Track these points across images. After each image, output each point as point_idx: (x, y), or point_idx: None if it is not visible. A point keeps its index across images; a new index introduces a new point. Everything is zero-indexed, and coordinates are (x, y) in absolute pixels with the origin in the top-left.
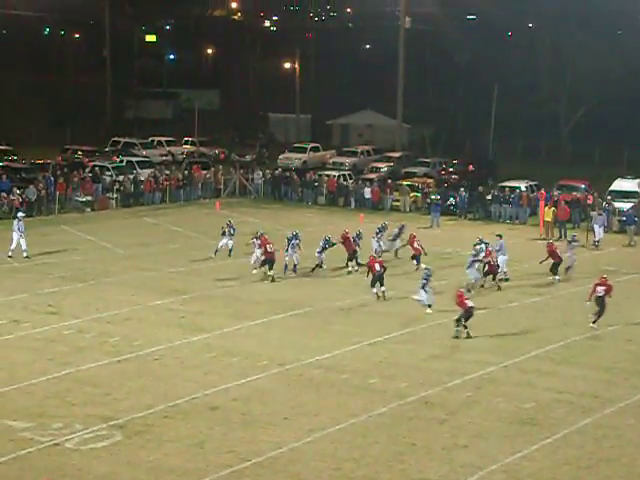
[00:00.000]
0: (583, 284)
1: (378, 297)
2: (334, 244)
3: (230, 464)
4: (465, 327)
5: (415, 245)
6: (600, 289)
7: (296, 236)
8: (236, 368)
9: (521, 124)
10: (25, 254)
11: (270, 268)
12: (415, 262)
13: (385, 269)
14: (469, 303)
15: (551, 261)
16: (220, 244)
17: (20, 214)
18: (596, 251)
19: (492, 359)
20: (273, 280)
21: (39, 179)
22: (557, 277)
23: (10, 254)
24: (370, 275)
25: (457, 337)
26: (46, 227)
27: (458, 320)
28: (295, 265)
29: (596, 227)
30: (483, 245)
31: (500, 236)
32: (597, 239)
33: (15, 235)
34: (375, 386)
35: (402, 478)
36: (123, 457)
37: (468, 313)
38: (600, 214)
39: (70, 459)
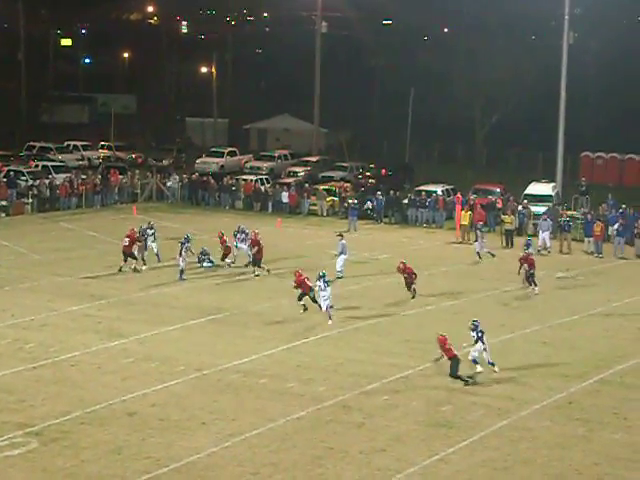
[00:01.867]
0: (498, 287)
1: (305, 309)
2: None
3: (148, 470)
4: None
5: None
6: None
7: (188, 239)
8: (154, 373)
9: (437, 128)
10: None
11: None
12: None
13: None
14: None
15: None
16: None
17: None
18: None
19: (409, 362)
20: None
21: None
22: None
23: None
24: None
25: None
26: None
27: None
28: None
29: (542, 234)
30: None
31: (341, 236)
32: (548, 246)
33: None
34: (293, 390)
35: None
36: (39, 464)
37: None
38: (545, 219)
39: None
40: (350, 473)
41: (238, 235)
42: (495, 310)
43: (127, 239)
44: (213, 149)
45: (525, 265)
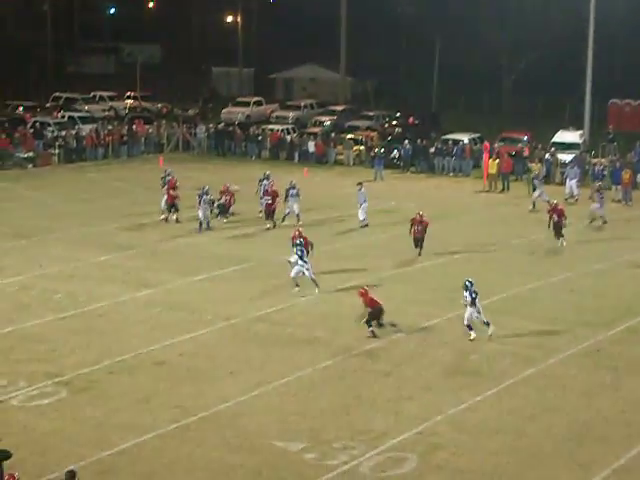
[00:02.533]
0: (525, 236)
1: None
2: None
3: (176, 419)
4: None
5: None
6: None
7: (206, 191)
8: (181, 323)
9: (464, 76)
10: None
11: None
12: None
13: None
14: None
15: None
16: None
17: None
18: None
19: (436, 311)
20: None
21: None
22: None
23: None
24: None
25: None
26: None
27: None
28: (208, 222)
29: (569, 181)
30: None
31: (360, 185)
32: (575, 194)
33: None
34: (320, 339)
35: (348, 430)
36: (69, 414)
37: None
38: (572, 167)
39: (15, 416)
40: (377, 421)
41: (263, 182)
42: (522, 258)
43: (269, 197)
44: (239, 99)
45: (554, 215)
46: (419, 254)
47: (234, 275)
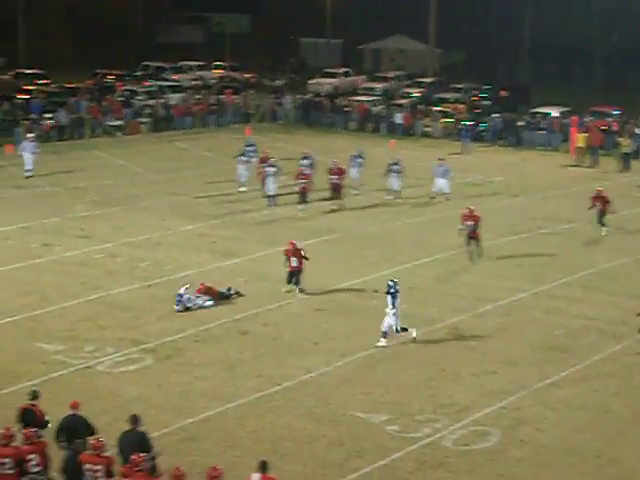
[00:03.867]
0: (614, 211)
1: None
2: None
3: (260, 388)
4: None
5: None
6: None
7: (273, 165)
8: (266, 293)
9: (555, 49)
10: (29, 173)
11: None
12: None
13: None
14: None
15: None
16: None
17: (30, 135)
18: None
19: (522, 286)
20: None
21: (70, 103)
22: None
23: (27, 174)
24: None
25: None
26: (77, 151)
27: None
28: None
29: None
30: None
31: (442, 160)
32: None
33: (26, 155)
34: (405, 312)
35: (431, 403)
36: (154, 380)
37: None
38: None
39: (102, 382)
40: (461, 395)
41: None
42: (611, 234)
43: (335, 176)
44: (327, 70)
45: (598, 204)
46: (470, 258)
47: (319, 246)
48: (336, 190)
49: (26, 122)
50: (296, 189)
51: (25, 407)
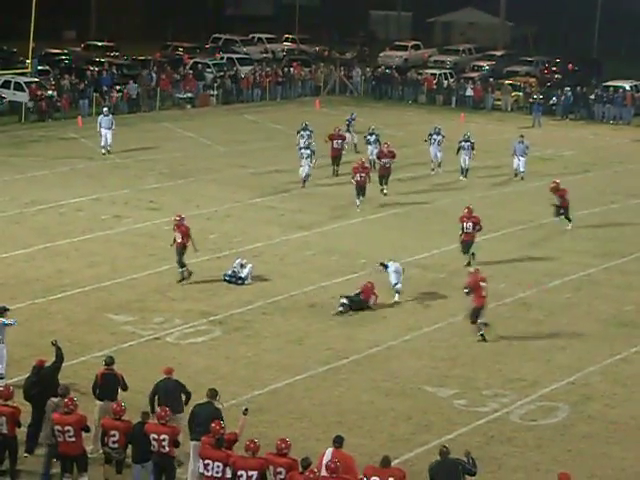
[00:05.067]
0: None
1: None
2: None
3: (328, 361)
4: None
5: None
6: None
7: (308, 146)
8: (335, 266)
9: (627, 22)
10: (108, 149)
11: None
12: None
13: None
14: None
15: None
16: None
17: (105, 109)
18: None
19: (592, 261)
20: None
21: (141, 75)
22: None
23: (104, 151)
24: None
25: None
26: (147, 123)
27: None
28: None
29: None
30: None
31: (522, 137)
32: None
33: (103, 131)
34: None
35: (499, 378)
36: (222, 352)
37: None
38: None
39: (170, 353)
40: (529, 370)
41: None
42: None
43: (387, 160)
44: (397, 43)
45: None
46: (468, 263)
47: (388, 219)
48: (383, 176)
49: (96, 94)
50: (357, 178)
51: (103, 372)
